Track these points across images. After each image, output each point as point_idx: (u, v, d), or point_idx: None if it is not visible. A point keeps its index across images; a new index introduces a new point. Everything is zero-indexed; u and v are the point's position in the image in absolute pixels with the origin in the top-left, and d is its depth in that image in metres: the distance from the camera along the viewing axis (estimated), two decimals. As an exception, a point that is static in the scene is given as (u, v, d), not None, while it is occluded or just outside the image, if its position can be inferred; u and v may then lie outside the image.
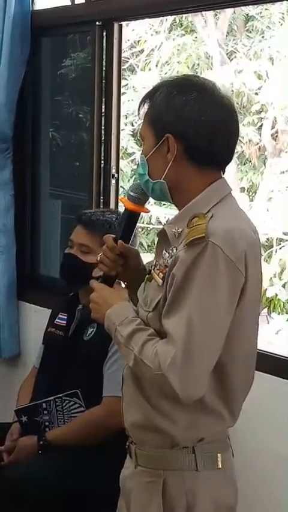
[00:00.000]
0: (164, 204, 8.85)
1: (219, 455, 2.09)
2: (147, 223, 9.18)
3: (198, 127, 1.98)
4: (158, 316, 1.99)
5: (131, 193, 2.15)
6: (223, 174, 2.09)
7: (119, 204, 3.85)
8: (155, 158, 2.03)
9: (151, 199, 2.20)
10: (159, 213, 8.82)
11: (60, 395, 3.03)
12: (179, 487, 2.05)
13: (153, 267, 2.07)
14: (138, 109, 2.09)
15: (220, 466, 2.09)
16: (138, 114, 2.10)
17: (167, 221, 2.16)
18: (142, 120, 2.09)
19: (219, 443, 2.11)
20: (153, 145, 2.03)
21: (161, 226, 2.22)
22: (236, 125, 2.07)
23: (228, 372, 2.01)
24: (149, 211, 2.22)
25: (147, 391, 2.05)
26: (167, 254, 2.00)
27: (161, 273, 2.00)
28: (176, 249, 1.97)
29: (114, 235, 2.20)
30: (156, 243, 2.18)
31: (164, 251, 2.02)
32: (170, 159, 2.00)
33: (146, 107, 2.06)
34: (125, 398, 2.17)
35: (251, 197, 8.77)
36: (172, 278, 1.93)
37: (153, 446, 2.08)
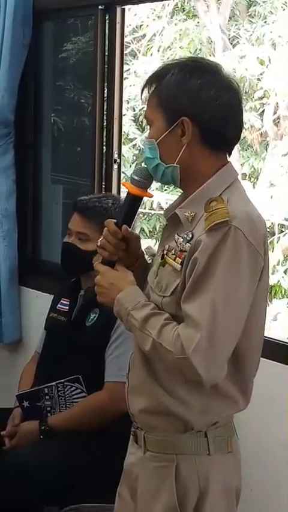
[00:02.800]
0: (165, 190, 8.83)
1: (229, 439, 2.10)
2: (148, 209, 9.16)
3: (214, 110, 1.98)
4: (175, 301, 1.98)
5: (135, 177, 2.12)
6: (229, 158, 2.08)
7: (122, 189, 3.85)
8: (168, 142, 2.01)
9: (153, 184, 2.19)
10: (160, 198, 8.80)
11: (62, 380, 3.03)
12: (192, 471, 2.05)
13: (166, 252, 2.05)
14: (142, 91, 2.07)
15: (231, 450, 2.10)
16: (142, 96, 2.07)
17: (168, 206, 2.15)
18: (147, 103, 2.06)
19: (229, 426, 2.12)
20: (164, 128, 2.01)
21: (161, 212, 2.21)
22: (242, 107, 2.07)
23: (243, 356, 2.02)
24: (152, 196, 2.20)
25: (162, 376, 2.04)
26: (180, 238, 1.99)
27: (178, 258, 1.99)
28: (192, 233, 1.97)
29: (115, 220, 2.16)
30: (164, 227, 2.16)
31: (176, 235, 2.01)
32: (185, 142, 2.00)
33: (153, 89, 2.04)
34: (132, 384, 2.15)
35: (252, 183, 8.76)
36: (194, 262, 1.92)
37: (165, 431, 2.08)
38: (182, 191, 2.13)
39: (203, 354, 1.89)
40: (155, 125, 2.04)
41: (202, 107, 1.98)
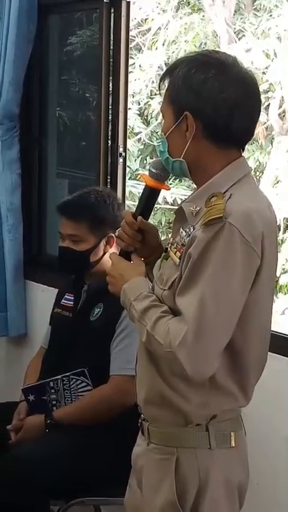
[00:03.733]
0: (171, 184, 8.83)
1: (232, 433, 2.10)
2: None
3: (217, 104, 1.97)
4: (173, 294, 1.99)
5: (152, 170, 2.15)
6: (242, 152, 2.08)
7: (127, 183, 3.85)
8: (175, 136, 2.03)
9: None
10: (166, 192, 8.79)
11: (68, 374, 3.04)
12: (192, 464, 2.05)
13: (169, 245, 2.06)
14: (159, 85, 2.09)
15: (233, 445, 2.09)
16: (160, 91, 2.09)
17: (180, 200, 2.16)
18: (163, 97, 2.07)
19: (233, 421, 2.11)
20: (172, 123, 2.02)
21: (167, 206, 2.22)
22: (258, 101, 2.05)
23: (241, 352, 2.01)
24: (169, 189, 2.23)
25: (161, 368, 2.06)
26: (184, 232, 2.00)
27: (178, 252, 2.00)
28: (194, 228, 1.97)
29: (132, 212, 2.21)
30: (173, 221, 2.17)
31: (181, 229, 2.02)
32: (188, 137, 2.00)
33: (166, 83, 2.05)
34: (138, 375, 2.17)
35: (257, 177, 8.74)
36: (188, 257, 1.93)
37: (166, 423, 2.09)
38: (187, 183, 2.15)
39: (188, 349, 1.89)
40: (165, 119, 2.06)
41: (204, 102, 1.97)
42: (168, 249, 2.06)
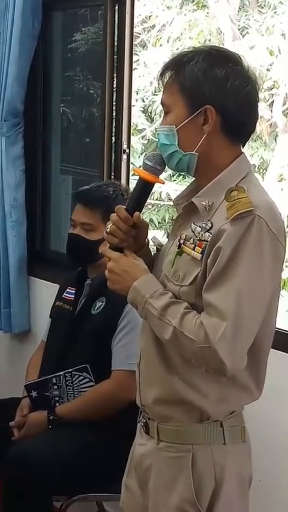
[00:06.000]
0: (174, 180, 8.82)
1: (243, 428, 2.11)
2: (157, 200, 9.15)
3: (238, 100, 1.99)
4: (194, 290, 1.98)
5: (148, 163, 2.08)
6: (243, 149, 2.09)
7: (131, 179, 3.85)
8: (188, 129, 2.00)
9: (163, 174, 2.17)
10: (169, 189, 8.78)
11: (70, 370, 3.04)
12: (208, 461, 2.05)
13: (183, 241, 2.03)
14: (162, 76, 2.04)
15: (244, 439, 2.11)
16: (161, 81, 2.04)
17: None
18: (165, 89, 2.04)
19: (240, 416, 2.12)
20: (186, 115, 2.00)
21: (170, 203, 2.20)
22: (259, 100, 2.09)
23: (259, 346, 2.02)
24: (164, 183, 2.18)
25: (178, 365, 2.04)
26: (198, 228, 1.99)
27: (198, 247, 1.98)
28: (211, 223, 1.96)
29: (124, 207, 2.12)
30: (177, 216, 2.14)
31: (192, 224, 2.01)
32: (206, 131, 1.99)
33: (174, 75, 2.01)
34: (144, 374, 2.14)
35: (261, 174, 8.74)
36: (217, 252, 1.92)
37: (180, 420, 2.07)
38: (190, 180, 2.13)
39: (228, 343, 1.89)
40: (174, 111, 2.02)
41: (227, 97, 1.98)
42: (182, 244, 2.03)
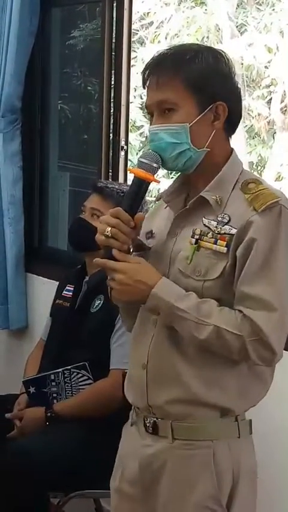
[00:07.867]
0: (172, 177, 8.81)
1: (250, 421, 2.10)
2: (154, 197, 9.15)
3: (238, 95, 2.03)
4: (221, 284, 1.96)
5: (144, 161, 2.00)
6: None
7: (128, 177, 3.84)
8: (200, 126, 1.98)
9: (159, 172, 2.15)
10: (166, 186, 8.77)
11: (69, 367, 3.04)
12: (227, 456, 2.03)
13: (198, 236, 1.99)
14: (157, 75, 1.98)
15: (251, 432, 2.11)
16: (155, 80, 1.98)
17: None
18: (167, 87, 1.98)
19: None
20: (196, 112, 1.98)
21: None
22: None
23: None
24: (159, 182, 2.12)
25: (195, 363, 2.00)
26: (213, 222, 1.97)
27: (221, 241, 1.95)
28: (228, 216, 1.96)
29: (120, 208, 2.02)
30: (179, 212, 2.08)
31: (204, 219, 1.99)
32: (218, 127, 2.00)
33: (175, 73, 1.97)
34: (155, 375, 2.06)
35: (259, 171, 8.74)
36: (249, 244, 1.92)
37: (199, 417, 2.03)
38: (174, 177, 2.10)
39: (279, 334, 1.93)
40: (182, 109, 1.97)
41: (231, 92, 2.02)
42: (199, 240, 1.99)
